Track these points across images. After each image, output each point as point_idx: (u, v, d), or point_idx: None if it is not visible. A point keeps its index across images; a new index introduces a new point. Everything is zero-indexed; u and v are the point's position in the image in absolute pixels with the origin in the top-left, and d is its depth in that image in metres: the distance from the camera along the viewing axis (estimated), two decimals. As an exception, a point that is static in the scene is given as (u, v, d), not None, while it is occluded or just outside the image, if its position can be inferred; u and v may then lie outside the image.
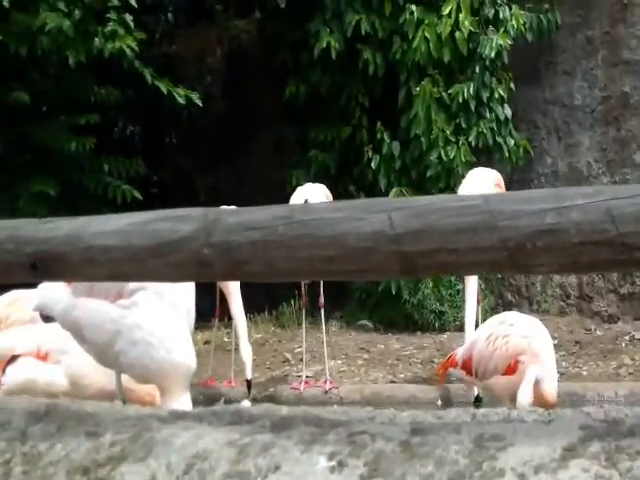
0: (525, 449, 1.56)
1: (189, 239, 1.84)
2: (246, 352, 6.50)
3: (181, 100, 8.48)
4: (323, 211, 1.79)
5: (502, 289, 9.48)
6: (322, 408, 2.01)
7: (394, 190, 8.95)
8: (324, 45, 9.09)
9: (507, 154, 9.06)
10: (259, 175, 10.33)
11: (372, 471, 1.61)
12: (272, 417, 1.86)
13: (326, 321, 7.43)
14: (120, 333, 3.33)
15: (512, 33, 8.97)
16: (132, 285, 3.28)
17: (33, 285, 3.40)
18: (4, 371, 4.34)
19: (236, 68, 10.92)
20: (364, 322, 9.07)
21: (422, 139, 8.90)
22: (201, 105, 8.70)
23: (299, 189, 6.98)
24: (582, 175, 9.18)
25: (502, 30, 8.95)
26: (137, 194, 8.73)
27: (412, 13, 8.88)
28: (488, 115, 9.07)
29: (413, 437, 1.67)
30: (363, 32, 9.08)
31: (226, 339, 7.89)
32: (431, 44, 8.79)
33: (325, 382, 6.83)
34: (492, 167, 7.47)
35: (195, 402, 3.42)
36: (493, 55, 8.87)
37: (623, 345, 7.97)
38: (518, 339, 4.73)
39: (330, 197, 6.83)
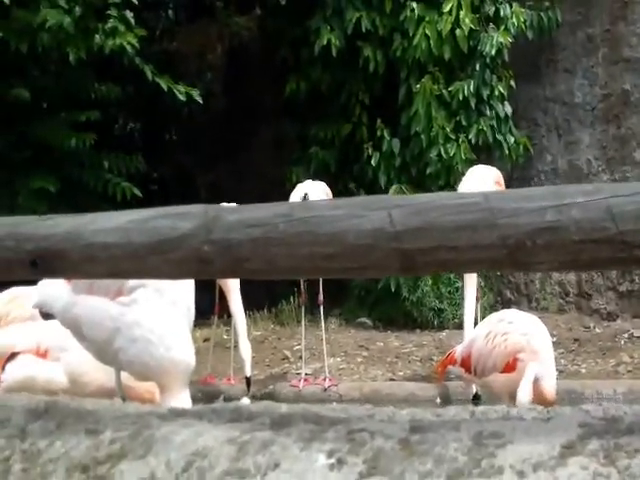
0: (524, 447, 1.56)
1: (189, 236, 1.84)
2: (245, 349, 6.49)
3: (181, 97, 8.48)
4: (323, 208, 1.79)
5: (501, 286, 9.47)
6: (321, 406, 2.00)
7: (394, 187, 8.94)
8: (324, 42, 9.08)
9: (507, 152, 9.05)
10: (259, 172, 10.32)
11: (371, 469, 1.61)
12: (271, 415, 1.86)
13: (325, 319, 7.42)
14: (120, 330, 3.33)
15: (512, 31, 8.97)
16: (132, 282, 3.28)
17: (33, 282, 3.41)
18: (3, 368, 4.33)
19: (236, 65, 10.91)
20: (363, 320, 9.07)
21: (422, 136, 8.90)
22: (201, 102, 8.70)
23: (299, 186, 6.97)
24: (582, 173, 9.17)
25: (502, 28, 8.95)
26: (137, 191, 8.72)
27: (413, 10, 8.88)
28: (488, 113, 9.07)
29: (412, 435, 1.67)
30: (364, 29, 9.09)
31: (225, 336, 7.89)
32: (431, 41, 8.79)
33: (324, 380, 6.82)
34: (492, 165, 7.46)
35: (194, 399, 3.42)
36: (493, 53, 8.87)
37: (622, 343, 7.96)
38: (517, 337, 4.73)
39: (330, 194, 6.82)
